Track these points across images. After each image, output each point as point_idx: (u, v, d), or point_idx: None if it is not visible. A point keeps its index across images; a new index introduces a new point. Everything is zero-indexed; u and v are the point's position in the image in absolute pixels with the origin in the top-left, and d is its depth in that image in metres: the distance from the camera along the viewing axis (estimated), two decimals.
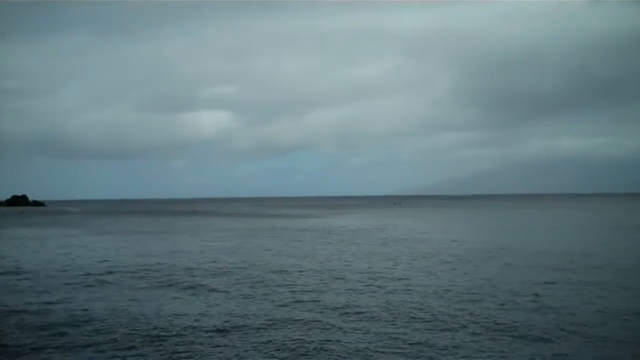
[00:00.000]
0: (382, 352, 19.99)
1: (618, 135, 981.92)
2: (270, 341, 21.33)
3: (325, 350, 20.22)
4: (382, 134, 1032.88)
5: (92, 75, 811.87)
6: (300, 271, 39.37)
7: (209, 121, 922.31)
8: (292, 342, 21.17)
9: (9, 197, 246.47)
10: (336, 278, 36.06)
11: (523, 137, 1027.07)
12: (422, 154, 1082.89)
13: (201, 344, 21.20)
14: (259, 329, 23.17)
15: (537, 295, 29.52)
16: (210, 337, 22.13)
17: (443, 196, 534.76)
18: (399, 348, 20.47)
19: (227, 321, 24.47)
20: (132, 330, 23.18)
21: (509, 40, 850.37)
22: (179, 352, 20.28)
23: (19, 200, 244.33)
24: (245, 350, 20.29)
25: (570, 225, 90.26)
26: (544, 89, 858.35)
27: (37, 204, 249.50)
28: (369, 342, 21.12)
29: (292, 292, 31.38)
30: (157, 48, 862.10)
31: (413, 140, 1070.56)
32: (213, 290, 32.35)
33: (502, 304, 27.37)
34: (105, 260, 46.50)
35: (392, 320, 24.43)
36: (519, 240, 60.61)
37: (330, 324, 23.80)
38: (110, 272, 39.54)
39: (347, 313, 25.85)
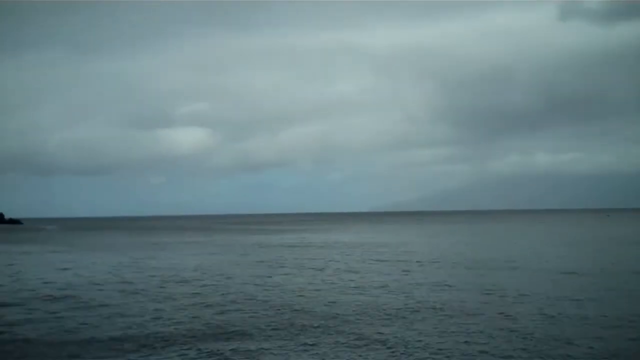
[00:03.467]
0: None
1: (590, 151, 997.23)
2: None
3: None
4: (357, 151, 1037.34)
5: (67, 91, 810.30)
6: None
7: (185, 138, 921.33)
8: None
9: None
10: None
11: (497, 153, 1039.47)
12: (397, 170, 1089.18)
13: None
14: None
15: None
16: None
17: (419, 212, 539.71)
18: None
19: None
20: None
21: (480, 57, 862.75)
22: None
23: None
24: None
25: (539, 239, 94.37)
26: (516, 105, 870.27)
27: (13, 222, 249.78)
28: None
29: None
30: (133, 64, 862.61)
31: (388, 157, 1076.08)
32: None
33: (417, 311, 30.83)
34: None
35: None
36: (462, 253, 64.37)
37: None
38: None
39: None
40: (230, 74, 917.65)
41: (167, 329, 27.06)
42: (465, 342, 23.69)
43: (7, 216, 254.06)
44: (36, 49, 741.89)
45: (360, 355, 22.03)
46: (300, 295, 36.42)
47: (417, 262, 56.98)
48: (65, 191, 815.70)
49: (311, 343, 23.92)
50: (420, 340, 23.96)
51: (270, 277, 46.72)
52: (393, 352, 22.46)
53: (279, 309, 31.56)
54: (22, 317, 30.62)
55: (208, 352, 22.88)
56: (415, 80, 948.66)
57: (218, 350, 23.06)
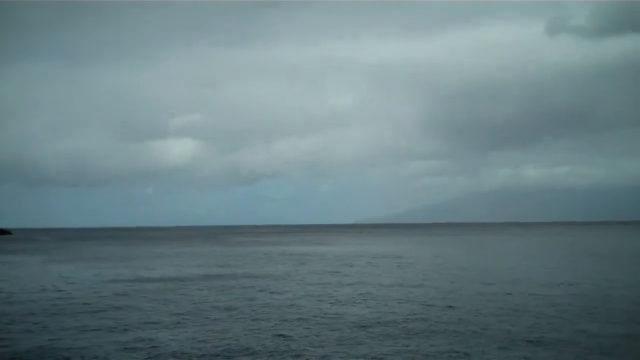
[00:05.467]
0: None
1: (580, 164, 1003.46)
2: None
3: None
4: (350, 163, 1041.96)
5: (60, 102, 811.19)
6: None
7: (178, 149, 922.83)
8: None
9: None
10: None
11: (488, 166, 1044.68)
12: (390, 182, 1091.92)
13: None
14: None
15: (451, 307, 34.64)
16: None
17: (411, 224, 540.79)
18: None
19: None
20: None
21: (472, 72, 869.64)
22: None
23: None
24: None
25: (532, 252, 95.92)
26: (506, 119, 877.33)
27: (3, 232, 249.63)
28: None
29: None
30: (127, 76, 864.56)
31: (380, 169, 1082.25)
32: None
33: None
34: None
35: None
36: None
37: None
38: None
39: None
40: (224, 86, 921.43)
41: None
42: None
43: None
44: (30, 61, 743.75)
45: None
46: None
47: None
48: (57, 202, 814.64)
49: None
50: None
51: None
52: None
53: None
54: None
55: None
56: (407, 94, 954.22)
57: None
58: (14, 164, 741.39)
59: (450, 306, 35.44)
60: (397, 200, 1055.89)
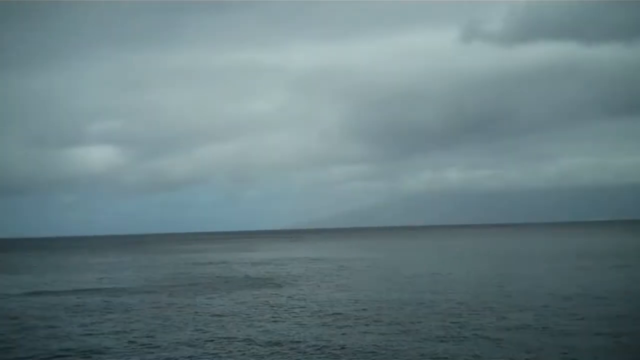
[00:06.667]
0: None
1: (501, 167, 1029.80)
2: None
3: None
4: (274, 168, 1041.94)
5: None
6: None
7: (97, 156, 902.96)
8: None
9: None
10: None
11: (410, 170, 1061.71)
12: (314, 187, 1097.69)
13: None
14: None
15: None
16: None
17: (337, 229, 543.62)
18: None
19: None
20: None
21: (391, 77, 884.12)
22: None
23: None
24: None
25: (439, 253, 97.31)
26: (427, 124, 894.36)
27: None
28: None
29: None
30: (43, 81, 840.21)
31: (305, 174, 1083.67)
32: None
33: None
34: None
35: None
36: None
37: None
38: None
39: None
40: (145, 92, 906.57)
41: None
42: None
43: None
44: None
45: None
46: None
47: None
48: None
49: None
50: None
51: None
52: None
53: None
54: None
55: None
56: (330, 99, 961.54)
57: None
58: None
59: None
60: (324, 205, 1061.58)
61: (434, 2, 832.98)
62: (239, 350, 27.68)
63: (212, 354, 26.98)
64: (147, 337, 31.22)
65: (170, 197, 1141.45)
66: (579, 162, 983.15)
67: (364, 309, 38.75)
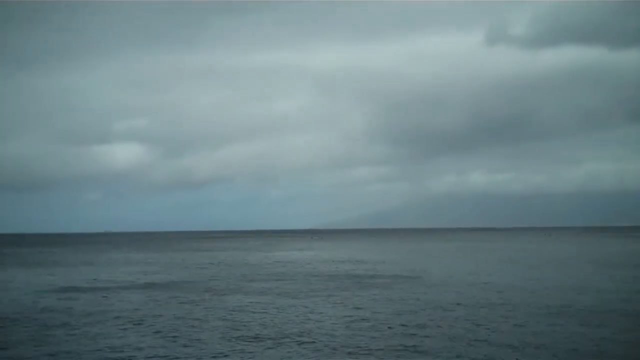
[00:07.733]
0: None
1: (523, 171, 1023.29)
2: None
3: None
4: (297, 168, 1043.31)
5: (2, 106, 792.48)
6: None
7: (123, 154, 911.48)
8: None
9: None
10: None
11: (434, 172, 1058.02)
12: (337, 188, 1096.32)
13: None
14: None
15: None
16: None
17: (360, 230, 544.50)
18: None
19: None
20: None
21: (416, 79, 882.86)
22: None
23: None
24: None
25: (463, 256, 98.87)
26: (451, 126, 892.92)
27: None
28: None
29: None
30: (71, 80, 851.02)
31: (328, 175, 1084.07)
32: None
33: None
34: None
35: None
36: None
37: None
38: None
39: None
40: (170, 91, 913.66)
41: None
42: None
43: None
44: None
45: None
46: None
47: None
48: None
49: None
50: None
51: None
52: None
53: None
54: None
55: None
56: (354, 101, 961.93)
57: None
58: None
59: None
60: (347, 206, 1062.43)
61: (459, 4, 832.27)
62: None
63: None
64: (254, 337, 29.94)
65: (194, 196, 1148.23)
66: (603, 167, 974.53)
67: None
